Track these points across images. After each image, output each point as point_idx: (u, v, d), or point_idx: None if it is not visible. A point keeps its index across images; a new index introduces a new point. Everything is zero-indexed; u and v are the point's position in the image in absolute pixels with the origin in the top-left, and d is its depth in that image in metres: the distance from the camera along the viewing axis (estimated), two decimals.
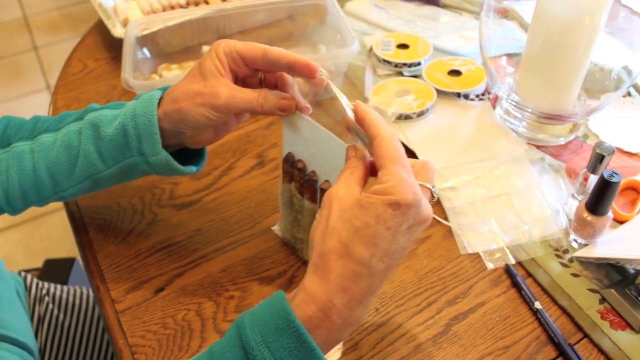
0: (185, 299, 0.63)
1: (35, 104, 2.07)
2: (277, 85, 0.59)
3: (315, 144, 0.56)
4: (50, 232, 1.54)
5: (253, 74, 0.59)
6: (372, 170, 0.49)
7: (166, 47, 0.91)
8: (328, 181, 0.56)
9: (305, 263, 0.65)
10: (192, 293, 0.64)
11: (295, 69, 0.54)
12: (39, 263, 1.56)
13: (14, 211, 0.64)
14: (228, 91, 0.55)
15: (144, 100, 0.57)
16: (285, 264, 0.66)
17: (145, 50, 0.88)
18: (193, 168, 0.61)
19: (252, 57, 0.55)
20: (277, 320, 0.44)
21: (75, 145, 0.59)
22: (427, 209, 0.45)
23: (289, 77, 0.58)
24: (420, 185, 0.47)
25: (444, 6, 1.00)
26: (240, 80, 0.59)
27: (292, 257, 0.66)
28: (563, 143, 0.77)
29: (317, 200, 0.58)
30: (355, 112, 0.49)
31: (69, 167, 0.59)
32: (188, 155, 0.64)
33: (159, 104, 0.57)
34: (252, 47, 0.55)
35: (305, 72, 0.54)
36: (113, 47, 0.96)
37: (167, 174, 0.60)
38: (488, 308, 0.61)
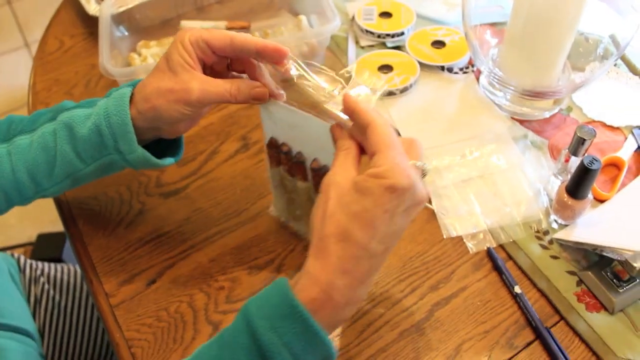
0: (177, 290, 0.65)
1: (14, 63, 2.02)
2: (245, 71, 0.59)
3: (296, 126, 0.56)
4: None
5: (221, 60, 0.58)
6: (361, 149, 0.50)
7: (143, 21, 0.89)
8: (317, 159, 0.57)
9: (301, 242, 0.67)
10: (183, 284, 0.66)
11: (265, 55, 0.54)
12: (32, 226, 1.57)
13: None
14: (200, 85, 0.55)
15: (116, 99, 0.57)
16: (272, 252, 0.67)
17: (122, 28, 0.86)
18: (171, 160, 0.62)
19: (219, 46, 0.55)
20: (282, 307, 0.46)
21: (52, 146, 0.59)
22: (422, 190, 0.47)
23: (259, 64, 0.57)
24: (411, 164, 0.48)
25: None
26: (208, 67, 0.58)
27: (279, 245, 0.68)
28: (547, 116, 0.77)
29: (308, 179, 0.60)
30: (344, 103, 0.50)
31: (47, 167, 0.60)
32: (165, 144, 0.64)
33: (131, 100, 0.57)
34: (219, 35, 0.55)
35: (276, 58, 0.54)
36: (89, 22, 0.93)
37: (146, 168, 0.61)
38: (470, 293, 0.63)
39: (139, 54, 0.85)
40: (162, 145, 0.63)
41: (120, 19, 0.85)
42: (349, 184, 0.46)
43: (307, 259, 0.48)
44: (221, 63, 0.59)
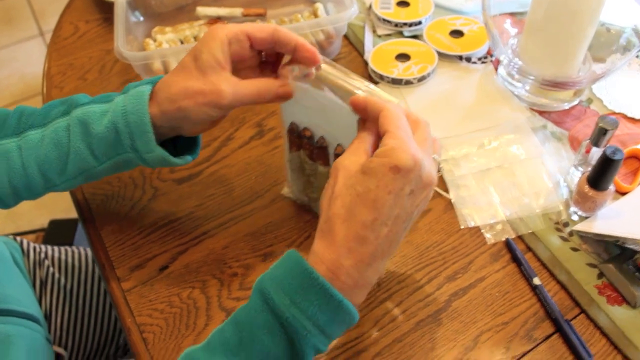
0: (189, 276, 0.64)
1: (28, 51, 2.01)
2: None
3: (319, 111, 0.55)
4: None
5: (254, 56, 0.57)
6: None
7: (158, 7, 0.88)
8: (341, 145, 0.57)
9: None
10: (196, 270, 0.65)
11: (300, 53, 0.54)
12: (42, 215, 1.56)
13: (6, 206, 0.63)
14: (232, 89, 0.54)
15: (134, 97, 0.55)
16: (287, 239, 0.66)
17: (137, 13, 0.85)
18: (189, 158, 0.60)
19: (261, 37, 0.54)
20: (301, 280, 0.46)
21: (65, 142, 0.57)
22: (430, 173, 0.46)
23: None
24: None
25: None
26: (238, 65, 0.57)
27: (295, 232, 0.67)
28: (567, 108, 0.76)
29: (330, 163, 0.59)
30: (354, 105, 0.50)
31: (60, 163, 0.58)
32: (182, 141, 0.62)
33: (152, 98, 0.55)
34: (261, 27, 0.54)
35: (308, 60, 0.54)
36: (104, 7, 0.93)
37: (162, 166, 0.60)
38: (488, 283, 0.62)
39: (154, 40, 0.84)
40: (178, 141, 0.62)
41: (135, 4, 0.84)
42: (356, 167, 0.46)
43: (314, 241, 0.48)
44: (254, 59, 0.58)
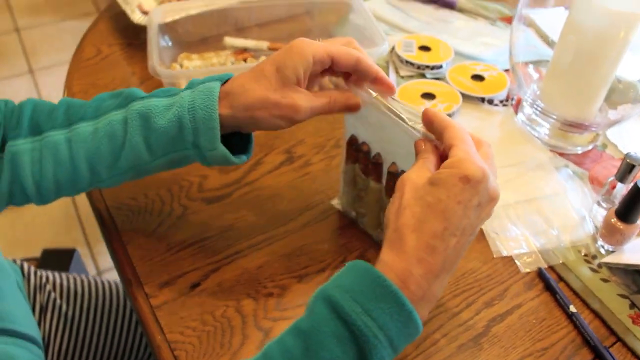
0: (222, 295, 0.62)
1: (17, 88, 1.99)
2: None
3: (379, 128, 0.57)
4: (34, 220, 1.47)
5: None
6: (443, 159, 0.51)
7: (185, 36, 0.89)
8: (395, 163, 0.57)
9: (352, 253, 0.67)
10: (229, 289, 0.63)
11: (378, 84, 0.56)
12: (22, 252, 1.49)
13: (44, 202, 0.61)
14: (307, 103, 0.55)
15: (203, 92, 0.55)
16: (322, 262, 0.66)
17: (166, 38, 0.86)
18: (244, 157, 0.60)
19: (344, 64, 0.55)
20: (373, 288, 0.45)
21: (120, 135, 0.56)
22: (495, 187, 0.48)
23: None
24: None
25: (460, 10, 1.01)
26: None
27: (330, 255, 0.66)
28: (580, 152, 0.79)
29: (382, 181, 0.60)
30: (424, 115, 0.51)
31: (111, 157, 0.57)
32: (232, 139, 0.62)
33: (223, 98, 0.55)
34: (346, 55, 0.55)
35: (383, 91, 0.57)
36: (127, 33, 0.94)
37: (217, 165, 0.59)
38: (524, 310, 0.63)
39: (181, 65, 0.85)
40: (232, 140, 0.61)
41: (165, 29, 0.85)
42: (423, 180, 0.48)
43: (382, 251, 0.48)
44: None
